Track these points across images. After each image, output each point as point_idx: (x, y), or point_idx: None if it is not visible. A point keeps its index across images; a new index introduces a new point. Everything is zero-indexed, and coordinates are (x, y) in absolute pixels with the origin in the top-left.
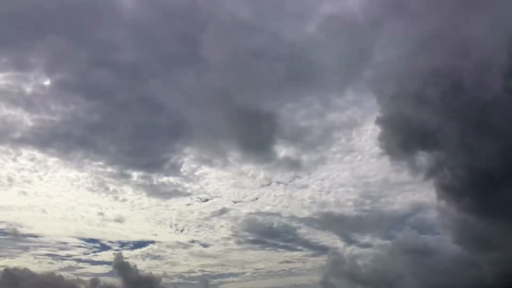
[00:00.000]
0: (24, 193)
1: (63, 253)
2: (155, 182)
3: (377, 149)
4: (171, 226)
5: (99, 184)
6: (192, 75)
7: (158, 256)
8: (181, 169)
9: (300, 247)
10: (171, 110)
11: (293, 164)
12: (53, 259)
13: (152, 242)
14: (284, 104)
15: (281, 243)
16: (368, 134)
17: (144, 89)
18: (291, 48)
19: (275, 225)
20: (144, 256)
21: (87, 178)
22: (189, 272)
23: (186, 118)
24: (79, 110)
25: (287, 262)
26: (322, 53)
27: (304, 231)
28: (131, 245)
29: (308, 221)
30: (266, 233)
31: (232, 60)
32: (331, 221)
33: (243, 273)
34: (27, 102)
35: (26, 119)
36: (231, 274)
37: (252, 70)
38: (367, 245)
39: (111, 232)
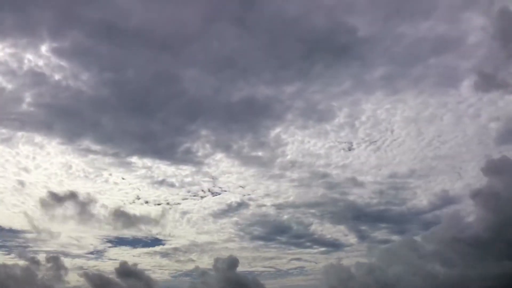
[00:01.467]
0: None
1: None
2: (163, 172)
3: (404, 133)
4: (178, 222)
5: (100, 173)
6: (211, 47)
7: (167, 254)
8: (194, 157)
9: (311, 244)
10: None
11: (311, 152)
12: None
13: (158, 239)
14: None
15: (293, 240)
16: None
17: (157, 62)
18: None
19: (286, 220)
20: (151, 254)
21: (89, 165)
22: (194, 271)
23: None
24: (84, 87)
25: (297, 259)
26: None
27: (318, 227)
28: (136, 242)
29: (323, 216)
30: (276, 229)
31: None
32: (348, 215)
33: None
34: (27, 74)
35: (25, 95)
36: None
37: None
38: (385, 242)
39: (114, 228)
